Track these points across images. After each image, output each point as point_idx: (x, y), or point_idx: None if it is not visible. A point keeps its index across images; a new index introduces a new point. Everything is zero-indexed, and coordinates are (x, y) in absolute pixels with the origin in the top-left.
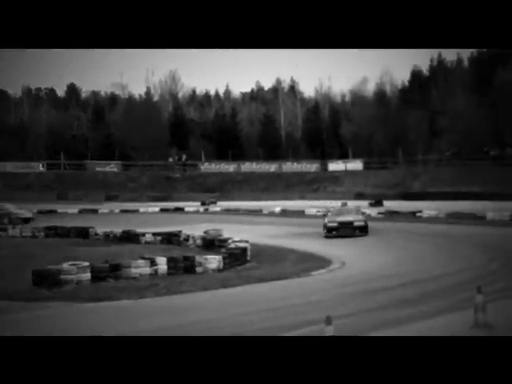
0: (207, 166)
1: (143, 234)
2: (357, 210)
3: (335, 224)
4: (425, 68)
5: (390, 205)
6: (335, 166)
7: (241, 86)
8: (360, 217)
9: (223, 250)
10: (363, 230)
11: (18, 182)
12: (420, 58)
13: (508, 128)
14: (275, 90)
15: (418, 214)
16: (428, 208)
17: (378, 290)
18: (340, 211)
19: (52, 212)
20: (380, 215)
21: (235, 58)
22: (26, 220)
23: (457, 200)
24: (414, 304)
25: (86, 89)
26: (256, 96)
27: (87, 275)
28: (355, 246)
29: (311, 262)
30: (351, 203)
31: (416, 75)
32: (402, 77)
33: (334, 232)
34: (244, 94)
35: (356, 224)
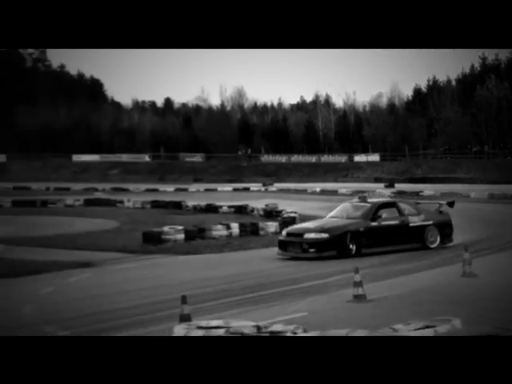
0: (266, 158)
1: (221, 207)
2: (370, 208)
3: (283, 236)
4: (423, 86)
5: (400, 186)
6: (359, 158)
7: (289, 99)
8: (342, 222)
9: (279, 218)
10: (322, 249)
11: (131, 169)
12: (419, 78)
13: (485, 131)
14: (314, 102)
15: (421, 193)
16: (428, 189)
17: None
18: (349, 210)
19: (155, 190)
20: (392, 194)
21: (285, 78)
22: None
23: (448, 183)
24: (419, 259)
25: (177, 101)
26: (301, 107)
27: (181, 236)
28: None
29: None
30: (372, 186)
31: (417, 91)
32: (407, 92)
33: (282, 249)
34: (292, 105)
35: (307, 237)
